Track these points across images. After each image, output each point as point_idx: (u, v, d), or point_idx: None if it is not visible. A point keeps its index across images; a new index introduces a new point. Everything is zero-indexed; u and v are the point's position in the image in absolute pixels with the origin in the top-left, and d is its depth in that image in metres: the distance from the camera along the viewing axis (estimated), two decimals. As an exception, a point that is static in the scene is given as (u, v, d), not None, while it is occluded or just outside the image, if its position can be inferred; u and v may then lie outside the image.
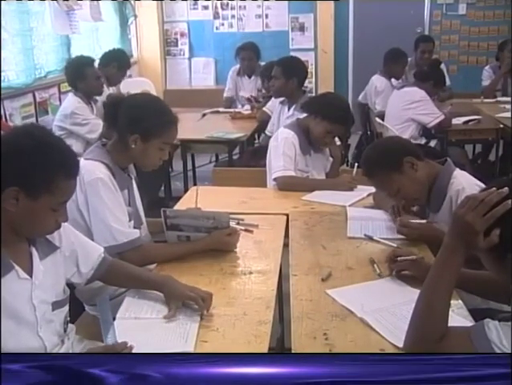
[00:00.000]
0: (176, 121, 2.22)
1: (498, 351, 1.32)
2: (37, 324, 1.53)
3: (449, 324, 1.45)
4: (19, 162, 1.42)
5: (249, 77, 5.76)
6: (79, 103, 4.20)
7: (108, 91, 4.73)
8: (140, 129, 2.12)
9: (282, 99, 4.24)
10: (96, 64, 4.55)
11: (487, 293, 1.86)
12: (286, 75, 4.06)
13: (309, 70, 7.35)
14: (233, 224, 2.31)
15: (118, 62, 4.91)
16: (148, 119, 2.13)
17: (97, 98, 4.36)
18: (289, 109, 4.08)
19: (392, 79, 5.55)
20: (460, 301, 1.75)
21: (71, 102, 4.23)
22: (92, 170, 2.09)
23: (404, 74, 5.67)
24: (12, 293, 1.46)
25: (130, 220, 2.19)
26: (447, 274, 1.45)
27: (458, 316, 1.67)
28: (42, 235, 1.60)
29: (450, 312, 1.55)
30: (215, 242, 2.19)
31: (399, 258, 1.96)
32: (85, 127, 4.14)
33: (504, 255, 1.37)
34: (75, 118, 4.13)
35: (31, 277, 1.53)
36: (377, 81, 5.53)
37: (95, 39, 6.05)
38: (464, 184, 2.23)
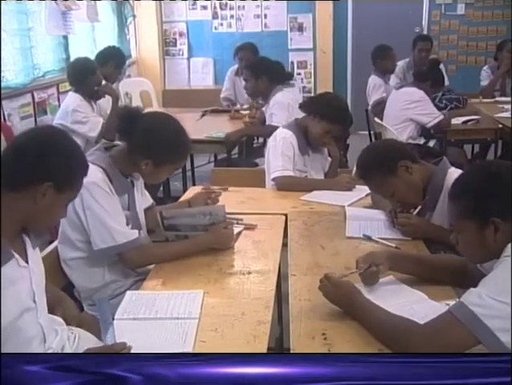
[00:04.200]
0: (191, 148, 2.24)
1: (483, 311, 1.37)
2: (37, 310, 1.55)
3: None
4: (58, 160, 1.53)
5: (248, 77, 5.75)
6: (81, 100, 4.19)
7: None
8: (154, 157, 2.11)
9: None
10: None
11: (445, 279, 1.89)
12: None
13: (308, 70, 7.46)
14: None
15: (115, 60, 4.88)
16: (164, 149, 2.11)
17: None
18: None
19: (387, 75, 5.57)
20: (459, 301, 1.75)
21: (73, 99, 4.21)
22: (88, 173, 2.08)
23: (395, 67, 5.68)
24: (14, 281, 1.47)
25: (128, 224, 2.18)
26: (366, 311, 1.64)
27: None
28: (46, 227, 1.71)
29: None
30: (213, 235, 2.21)
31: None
32: (85, 125, 4.13)
33: (486, 220, 1.48)
34: (76, 115, 4.11)
35: (28, 264, 1.55)
36: (371, 81, 5.55)
37: (92, 39, 6.04)
38: None
